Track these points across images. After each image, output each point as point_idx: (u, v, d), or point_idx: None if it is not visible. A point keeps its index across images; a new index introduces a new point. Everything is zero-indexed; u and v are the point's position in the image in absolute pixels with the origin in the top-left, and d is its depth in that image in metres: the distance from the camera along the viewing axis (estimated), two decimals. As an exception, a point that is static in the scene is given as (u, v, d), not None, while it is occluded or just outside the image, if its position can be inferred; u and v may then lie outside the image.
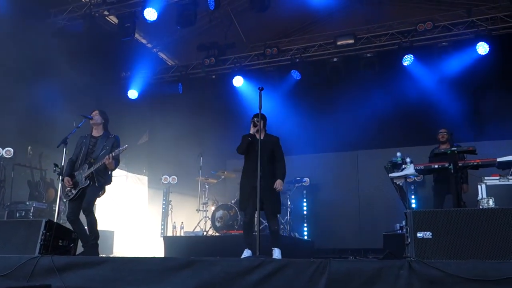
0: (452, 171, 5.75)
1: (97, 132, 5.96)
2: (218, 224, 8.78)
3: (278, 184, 5.60)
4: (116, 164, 5.77)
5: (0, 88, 8.16)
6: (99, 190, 5.72)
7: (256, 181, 5.15)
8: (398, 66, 9.99)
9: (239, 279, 3.61)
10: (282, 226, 8.87)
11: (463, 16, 9.81)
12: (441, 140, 7.61)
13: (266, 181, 5.38)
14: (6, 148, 8.31)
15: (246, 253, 5.46)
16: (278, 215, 8.67)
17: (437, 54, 9.77)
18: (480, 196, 5.71)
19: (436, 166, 6.09)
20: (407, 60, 9.88)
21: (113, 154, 5.60)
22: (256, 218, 5.00)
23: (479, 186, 5.80)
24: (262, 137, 5.52)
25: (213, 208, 9.30)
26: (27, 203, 8.19)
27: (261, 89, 5.22)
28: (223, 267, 3.72)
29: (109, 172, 5.81)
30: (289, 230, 9.05)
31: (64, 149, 5.67)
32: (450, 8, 10.25)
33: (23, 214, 8.02)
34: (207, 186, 9.85)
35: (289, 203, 9.21)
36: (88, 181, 5.62)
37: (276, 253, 5.45)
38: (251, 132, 5.69)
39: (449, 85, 9.64)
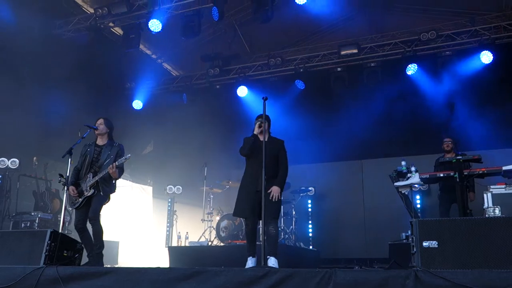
0: (458, 180, 5.72)
1: (101, 141, 5.99)
2: (223, 234, 8.76)
3: (274, 191, 5.30)
4: (120, 173, 5.78)
5: (5, 98, 8.22)
6: (105, 199, 5.73)
7: (258, 185, 5.07)
8: (402, 75, 10.00)
9: (244, 289, 3.59)
10: (287, 236, 8.83)
11: (467, 25, 9.83)
12: (446, 149, 7.60)
13: (269, 184, 5.25)
14: (12, 159, 8.36)
15: (250, 262, 5.28)
16: (280, 223, 8.77)
17: (441, 63, 9.80)
18: (486, 205, 5.68)
19: (442, 175, 6.08)
20: (411, 69, 9.90)
21: (117, 163, 5.61)
22: (261, 226, 4.81)
23: (485, 195, 5.78)
24: (266, 139, 5.36)
25: (218, 218, 9.29)
26: (32, 213, 8.22)
27: (265, 99, 5.13)
28: (228, 277, 3.70)
29: (113, 181, 5.82)
30: (294, 239, 9.01)
31: (69, 159, 5.68)
32: (453, 17, 10.27)
33: (28, 224, 8.04)
34: (211, 196, 9.84)
35: (294, 212, 9.18)
36: (93, 190, 5.64)
37: (272, 262, 5.06)
38: (255, 133, 5.52)
39: (453, 93, 9.64)
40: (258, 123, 5.48)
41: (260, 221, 5.13)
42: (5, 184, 8.36)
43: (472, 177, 6.20)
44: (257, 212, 5.23)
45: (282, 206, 9.00)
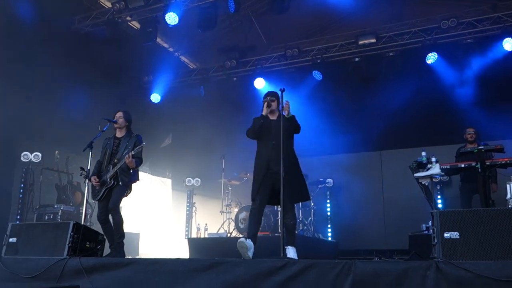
0: (480, 170, 5.64)
1: (120, 133, 6.08)
2: (241, 226, 8.80)
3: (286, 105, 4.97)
4: (138, 163, 5.85)
5: (25, 94, 8.36)
6: (125, 189, 5.81)
7: (272, 164, 4.89)
8: (421, 65, 9.84)
9: (263, 280, 3.61)
10: (305, 227, 8.83)
11: (488, 12, 9.61)
12: (469, 140, 7.48)
13: (285, 165, 4.71)
14: (35, 153, 8.52)
15: (247, 242, 4.64)
16: (299, 214, 8.75)
17: (462, 52, 9.60)
18: (509, 195, 5.58)
19: (463, 166, 5.99)
20: (431, 58, 9.74)
21: (133, 153, 5.69)
22: (280, 213, 4.63)
23: (507, 185, 5.67)
24: (275, 118, 5.13)
25: (236, 209, 9.32)
26: (55, 206, 8.39)
27: (282, 90, 5.01)
28: (246, 268, 3.72)
29: (132, 171, 5.87)
30: (313, 231, 9.01)
31: (90, 153, 5.77)
32: (474, 4, 10.06)
33: (51, 217, 8.21)
34: (230, 188, 9.88)
35: (312, 204, 9.17)
36: (113, 181, 5.74)
37: (291, 253, 4.70)
38: (264, 113, 5.15)
39: (474, 82, 9.46)
40: (266, 102, 5.18)
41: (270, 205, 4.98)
42: (29, 177, 8.54)
43: (494, 168, 6.10)
44: (269, 194, 4.94)
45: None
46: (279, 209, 5.16)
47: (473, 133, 7.50)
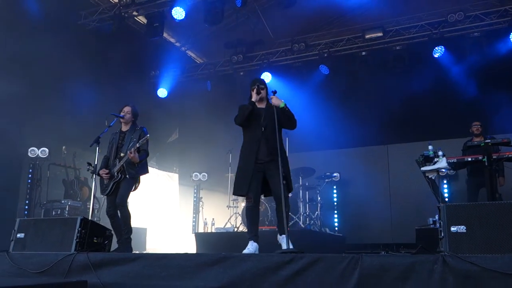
0: (486, 164, 5.61)
1: (125, 127, 6.09)
2: (248, 220, 8.81)
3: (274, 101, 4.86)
4: (144, 156, 5.85)
5: (33, 89, 8.41)
6: (132, 183, 5.82)
7: (262, 155, 4.80)
8: (428, 58, 9.79)
9: (270, 274, 3.62)
10: (312, 221, 8.84)
11: (496, 5, 9.54)
12: (475, 133, 7.45)
13: (273, 158, 4.62)
14: (42, 148, 8.56)
15: (251, 246, 4.65)
16: (306, 208, 8.76)
17: (469, 45, 9.54)
18: (516, 189, 5.55)
19: (470, 159, 5.96)
20: (438, 52, 9.68)
21: (138, 145, 5.70)
22: (282, 205, 4.40)
23: (515, 179, 5.64)
24: (264, 107, 5.04)
25: (243, 204, 9.33)
26: (62, 201, 8.44)
27: (274, 92, 4.98)
28: (254, 262, 3.73)
29: (137, 165, 5.87)
30: (320, 225, 9.01)
31: (97, 148, 5.79)
32: (481, -3, 9.98)
33: (58, 212, 8.27)
34: (237, 183, 9.88)
35: (319, 198, 9.17)
36: (120, 175, 5.76)
37: (285, 241, 4.37)
38: (253, 99, 5.02)
39: (482, 76, 9.39)
40: (255, 88, 5.04)
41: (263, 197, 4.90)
42: (36, 173, 8.59)
43: (501, 161, 6.07)
44: (260, 186, 4.83)
45: (307, 192, 9.07)
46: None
47: (479, 126, 7.46)
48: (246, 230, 8.61)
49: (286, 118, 4.94)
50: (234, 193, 5.01)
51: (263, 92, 5.09)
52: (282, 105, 4.87)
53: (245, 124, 5.07)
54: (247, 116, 4.98)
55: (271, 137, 4.72)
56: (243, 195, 4.89)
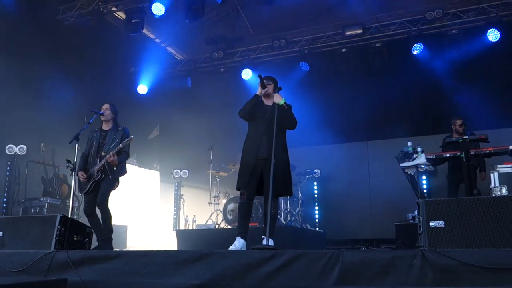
0: (464, 160, 5.71)
1: (107, 126, 6.04)
2: (229, 217, 8.83)
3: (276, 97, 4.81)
4: (124, 157, 5.84)
5: (10, 86, 8.25)
6: (113, 182, 5.80)
7: (260, 152, 4.78)
8: (407, 55, 9.90)
9: (251, 270, 3.63)
10: (293, 217, 8.88)
11: (473, 3, 9.68)
12: (459, 131, 7.49)
13: (276, 157, 4.49)
14: (20, 146, 8.42)
15: (238, 243, 4.64)
16: (287, 205, 8.80)
17: (447, 42, 9.69)
18: (493, 184, 5.67)
19: (448, 155, 6.06)
20: (417, 49, 9.79)
21: (117, 149, 5.66)
22: (268, 203, 4.38)
23: (491, 174, 5.77)
24: (271, 104, 4.94)
25: (224, 201, 9.34)
26: (41, 199, 8.32)
27: (279, 89, 4.98)
28: (235, 259, 3.73)
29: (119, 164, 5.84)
30: (301, 221, 9.07)
31: (76, 145, 5.73)
32: (459, -6, 10.12)
33: (37, 210, 8.14)
34: (218, 179, 9.89)
35: (300, 194, 9.22)
36: (100, 174, 5.71)
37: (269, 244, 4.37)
38: (258, 93, 4.93)
39: (459, 73, 9.54)
40: (260, 82, 4.94)
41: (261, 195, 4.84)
42: (14, 170, 8.44)
43: (479, 157, 6.19)
44: (256, 183, 4.82)
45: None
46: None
47: (462, 123, 7.52)
48: (227, 227, 8.67)
49: (284, 116, 4.85)
50: (237, 188, 4.91)
51: (269, 88, 4.98)
52: (281, 102, 4.82)
53: (249, 118, 4.98)
54: (250, 109, 4.91)
55: (272, 135, 4.58)
56: (242, 187, 4.83)
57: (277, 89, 5.01)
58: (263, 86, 4.91)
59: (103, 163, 5.71)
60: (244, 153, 4.96)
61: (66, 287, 3.85)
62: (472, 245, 3.30)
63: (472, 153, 5.79)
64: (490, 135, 5.77)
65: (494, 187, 5.60)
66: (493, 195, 5.46)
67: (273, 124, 4.63)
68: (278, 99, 4.85)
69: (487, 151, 5.79)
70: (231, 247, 4.60)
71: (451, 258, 3.19)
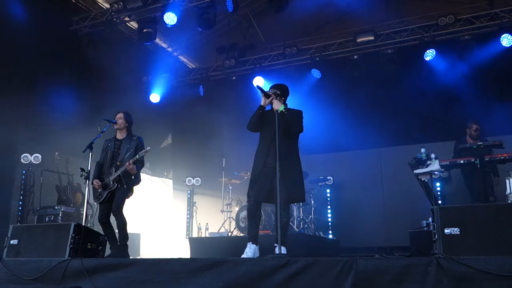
0: (479, 166, 5.66)
1: (121, 135, 6.08)
2: (242, 225, 8.81)
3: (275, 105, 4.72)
4: (139, 167, 5.87)
5: (26, 96, 8.37)
6: (128, 192, 5.83)
7: (267, 161, 4.81)
8: (420, 62, 9.85)
9: (264, 278, 3.62)
10: (306, 225, 8.84)
11: (486, 8, 9.60)
12: (474, 136, 7.38)
13: (281, 161, 4.38)
14: (34, 155, 8.52)
15: (249, 250, 4.61)
16: (299, 212, 8.76)
17: (460, 48, 9.61)
18: (508, 191, 5.60)
19: (462, 162, 6.01)
20: (429, 55, 9.74)
21: (137, 157, 5.70)
22: (277, 209, 4.37)
23: (507, 181, 5.69)
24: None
25: (237, 208, 9.33)
26: (56, 207, 8.39)
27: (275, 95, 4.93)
28: (248, 267, 3.73)
29: (133, 175, 5.89)
30: (314, 229, 9.02)
31: (90, 154, 5.77)
32: (471, 0, 10.05)
33: (52, 218, 8.21)
34: (230, 187, 9.89)
35: (312, 202, 9.18)
36: (117, 184, 5.75)
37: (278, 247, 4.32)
38: (262, 103, 4.91)
39: (473, 79, 9.46)
40: (263, 92, 4.90)
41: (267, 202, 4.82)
42: (29, 179, 8.54)
43: (493, 163, 6.12)
44: (266, 189, 4.80)
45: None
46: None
47: (478, 129, 7.42)
48: (240, 235, 8.66)
49: (287, 122, 4.82)
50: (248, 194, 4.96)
51: (274, 96, 4.92)
52: (280, 108, 4.77)
53: (257, 129, 5.04)
54: (256, 121, 4.96)
55: (280, 145, 4.47)
56: (248, 197, 4.89)
57: (284, 95, 5.00)
58: (267, 96, 4.90)
59: (119, 173, 5.74)
60: (254, 163, 5.02)
61: (80, 295, 3.88)
62: (488, 252, 3.26)
63: (486, 159, 5.74)
64: (504, 141, 5.72)
65: (510, 193, 5.53)
66: (509, 201, 5.40)
67: (280, 131, 4.59)
68: (277, 105, 4.79)
69: (502, 157, 5.74)
70: (243, 255, 4.58)
71: (466, 265, 3.15)
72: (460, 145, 6.82)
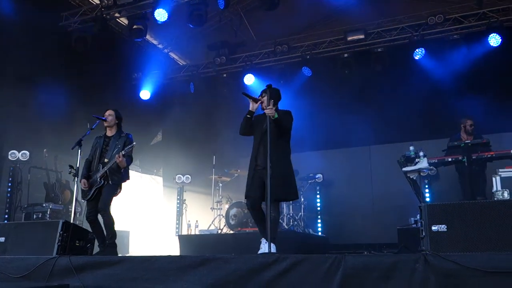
0: (466, 164, 5.72)
1: (110, 132, 6.05)
2: (232, 222, 8.82)
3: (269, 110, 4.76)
4: (128, 162, 5.84)
5: (14, 92, 8.28)
6: (115, 189, 5.79)
7: (258, 162, 4.92)
8: (409, 60, 9.91)
9: (254, 275, 3.63)
10: (296, 222, 8.87)
11: (474, 8, 9.69)
12: (470, 132, 7.42)
13: (272, 165, 4.45)
14: (22, 151, 8.43)
15: (263, 246, 4.83)
16: (289, 210, 8.78)
17: (448, 47, 9.70)
18: (495, 188, 5.67)
19: (450, 160, 6.07)
20: (418, 54, 9.81)
21: (123, 152, 5.67)
22: (267, 207, 4.49)
23: (493, 178, 5.76)
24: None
25: (227, 206, 9.34)
26: (44, 205, 8.32)
27: (269, 86, 4.95)
28: (238, 264, 3.74)
29: (123, 170, 5.85)
30: (303, 226, 9.05)
31: (79, 150, 5.74)
32: (460, 0, 10.14)
33: (40, 216, 8.15)
34: (220, 185, 9.89)
35: (302, 199, 9.21)
36: (103, 181, 5.71)
37: (272, 250, 4.42)
38: (250, 108, 5.10)
39: (461, 77, 9.54)
40: (251, 99, 5.06)
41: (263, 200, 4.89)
42: (16, 176, 8.45)
43: (481, 161, 6.18)
44: (260, 192, 4.93)
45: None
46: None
47: (473, 124, 7.46)
48: (230, 232, 8.67)
49: (277, 128, 4.90)
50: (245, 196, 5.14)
51: (264, 99, 4.97)
52: (275, 117, 4.81)
53: (248, 133, 5.20)
54: (245, 126, 5.12)
55: (268, 143, 4.57)
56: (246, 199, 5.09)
57: (276, 100, 5.06)
58: (255, 101, 5.02)
59: (106, 169, 5.71)
60: (249, 164, 5.17)
61: (69, 293, 3.86)
62: (475, 249, 3.30)
63: (474, 157, 5.80)
64: (492, 139, 5.78)
65: (496, 191, 5.59)
66: (495, 199, 5.46)
67: (270, 132, 4.66)
68: (271, 113, 4.79)
69: (489, 155, 5.80)
70: (260, 251, 4.74)
71: (453, 262, 3.19)
72: (449, 143, 6.87)
